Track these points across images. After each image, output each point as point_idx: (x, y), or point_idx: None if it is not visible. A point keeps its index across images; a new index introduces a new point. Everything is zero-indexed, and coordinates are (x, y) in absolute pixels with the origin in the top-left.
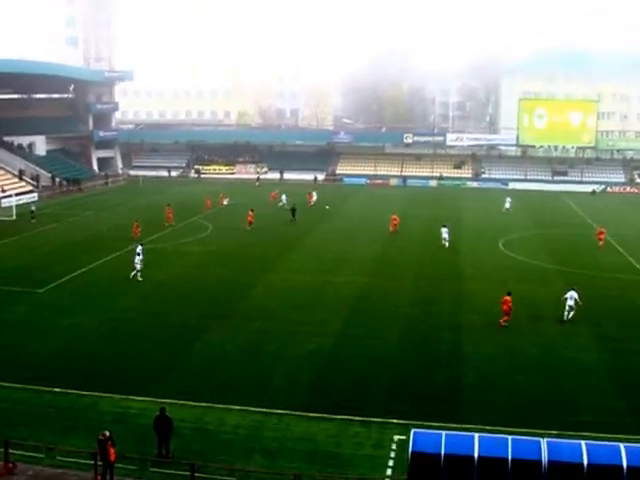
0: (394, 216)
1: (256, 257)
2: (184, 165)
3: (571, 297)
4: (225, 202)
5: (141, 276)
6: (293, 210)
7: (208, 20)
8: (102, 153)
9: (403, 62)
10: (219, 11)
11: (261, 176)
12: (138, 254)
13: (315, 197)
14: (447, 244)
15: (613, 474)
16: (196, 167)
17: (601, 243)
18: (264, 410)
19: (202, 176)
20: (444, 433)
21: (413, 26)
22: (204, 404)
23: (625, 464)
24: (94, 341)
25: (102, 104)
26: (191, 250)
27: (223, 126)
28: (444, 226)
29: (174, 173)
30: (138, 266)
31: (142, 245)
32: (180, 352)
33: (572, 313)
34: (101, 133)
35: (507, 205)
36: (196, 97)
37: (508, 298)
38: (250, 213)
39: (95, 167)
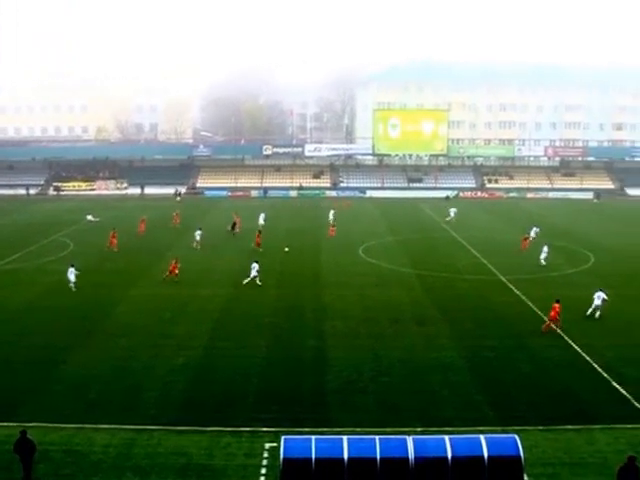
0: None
1: (119, 273)
2: (42, 183)
3: (599, 297)
4: (177, 221)
5: (260, 280)
6: (234, 224)
7: (64, 34)
8: None
9: (261, 75)
10: (75, 25)
11: (182, 191)
12: (257, 261)
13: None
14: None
15: (475, 464)
16: (55, 184)
17: (525, 246)
18: (134, 427)
19: (62, 193)
20: (314, 438)
21: (271, 40)
22: (73, 425)
23: (486, 454)
24: None
25: None
26: (53, 269)
27: (81, 142)
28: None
29: (32, 191)
30: (256, 273)
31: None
32: (46, 374)
33: (598, 312)
34: None
35: (452, 215)
36: (53, 112)
37: (557, 305)
38: (258, 234)
39: None
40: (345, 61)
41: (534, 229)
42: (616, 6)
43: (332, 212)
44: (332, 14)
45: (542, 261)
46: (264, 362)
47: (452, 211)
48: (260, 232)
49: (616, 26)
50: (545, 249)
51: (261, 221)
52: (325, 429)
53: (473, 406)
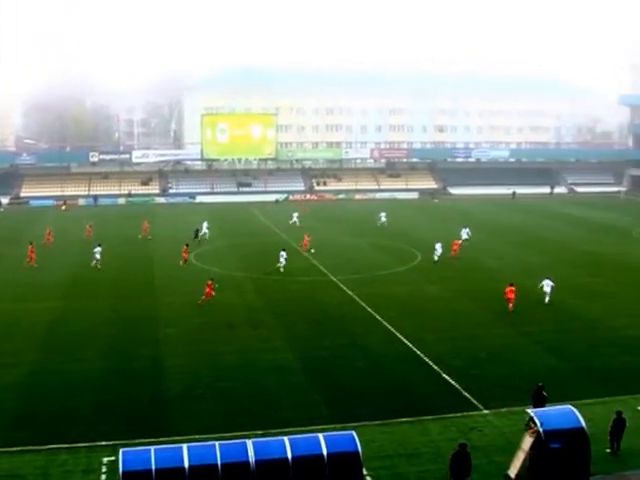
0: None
1: None
2: None
3: (547, 284)
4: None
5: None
6: (197, 231)
7: None
8: None
9: (86, 79)
10: None
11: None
12: (284, 249)
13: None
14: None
15: (315, 463)
16: None
17: (455, 251)
18: None
19: None
20: (153, 448)
21: (95, 42)
22: None
23: (325, 452)
24: None
25: None
26: None
27: None
28: None
29: None
30: (284, 261)
31: None
32: None
33: (548, 298)
34: None
35: (382, 219)
36: None
37: (512, 288)
38: (185, 248)
39: None
40: (171, 65)
41: (464, 230)
42: (433, 14)
43: (296, 215)
44: (157, 17)
45: (435, 257)
46: (100, 374)
47: (382, 215)
48: (187, 245)
49: (435, 32)
50: (438, 246)
51: (205, 230)
52: (165, 438)
53: (311, 406)
